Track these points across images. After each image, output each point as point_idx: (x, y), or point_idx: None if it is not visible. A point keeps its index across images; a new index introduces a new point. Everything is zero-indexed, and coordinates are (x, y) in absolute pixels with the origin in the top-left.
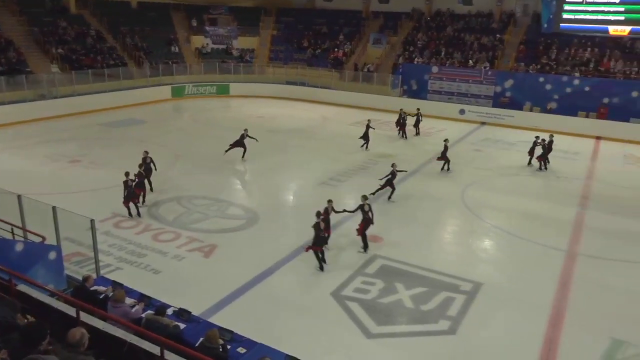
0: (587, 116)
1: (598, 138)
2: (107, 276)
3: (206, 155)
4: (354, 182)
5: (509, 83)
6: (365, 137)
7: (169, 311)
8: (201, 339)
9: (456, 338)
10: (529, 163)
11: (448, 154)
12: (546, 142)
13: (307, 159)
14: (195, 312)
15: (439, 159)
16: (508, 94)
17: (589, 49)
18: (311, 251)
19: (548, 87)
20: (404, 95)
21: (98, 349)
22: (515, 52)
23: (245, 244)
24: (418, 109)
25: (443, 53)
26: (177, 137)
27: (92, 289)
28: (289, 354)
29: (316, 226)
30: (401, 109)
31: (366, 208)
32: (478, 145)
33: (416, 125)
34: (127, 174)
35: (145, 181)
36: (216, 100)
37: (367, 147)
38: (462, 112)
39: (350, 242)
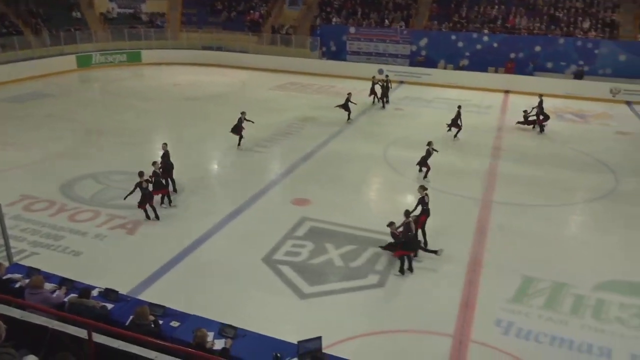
0: (496, 71)
1: (507, 92)
2: (21, 263)
3: (121, 127)
4: (280, 147)
5: (423, 42)
6: (346, 107)
7: (94, 292)
8: (131, 317)
9: (385, 290)
10: (534, 127)
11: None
12: (538, 106)
13: (229, 126)
14: (123, 290)
15: (449, 125)
16: (423, 52)
17: (496, 7)
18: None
19: (460, 44)
20: (323, 57)
21: (17, 339)
22: (429, 11)
23: (171, 216)
24: (387, 76)
25: (360, 13)
26: (88, 110)
27: (4, 277)
28: (224, 322)
29: (406, 227)
30: (374, 77)
31: (426, 199)
32: (398, 104)
33: (385, 92)
34: (141, 174)
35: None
36: (127, 68)
37: (349, 118)
38: (380, 71)
39: (278, 207)
